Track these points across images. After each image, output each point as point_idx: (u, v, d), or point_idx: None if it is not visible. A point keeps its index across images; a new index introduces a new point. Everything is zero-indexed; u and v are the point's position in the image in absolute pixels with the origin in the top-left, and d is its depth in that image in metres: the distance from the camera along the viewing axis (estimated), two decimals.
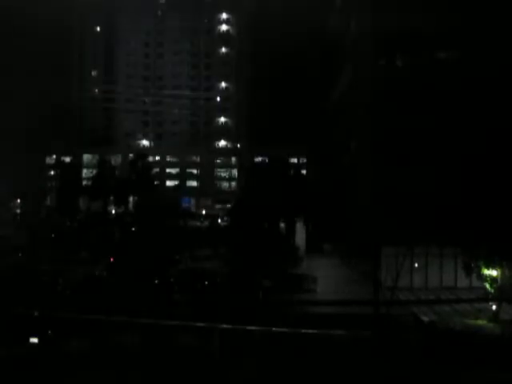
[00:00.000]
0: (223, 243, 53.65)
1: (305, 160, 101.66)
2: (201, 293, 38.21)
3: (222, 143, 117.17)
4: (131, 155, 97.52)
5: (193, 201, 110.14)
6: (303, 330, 23.34)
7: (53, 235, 65.22)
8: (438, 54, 45.71)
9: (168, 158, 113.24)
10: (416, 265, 41.91)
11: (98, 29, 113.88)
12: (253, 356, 28.03)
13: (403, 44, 45.00)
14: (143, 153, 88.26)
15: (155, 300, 34.30)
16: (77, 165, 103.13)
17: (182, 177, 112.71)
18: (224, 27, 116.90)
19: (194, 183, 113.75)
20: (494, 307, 31.97)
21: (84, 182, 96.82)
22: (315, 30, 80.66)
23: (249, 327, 27.46)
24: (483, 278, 32.34)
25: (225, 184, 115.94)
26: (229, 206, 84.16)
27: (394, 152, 42.41)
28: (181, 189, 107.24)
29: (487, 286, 32.22)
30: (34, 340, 27.02)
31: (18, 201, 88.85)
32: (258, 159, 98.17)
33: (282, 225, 54.12)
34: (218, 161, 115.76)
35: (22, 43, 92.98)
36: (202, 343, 29.13)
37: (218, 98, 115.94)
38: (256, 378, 25.60)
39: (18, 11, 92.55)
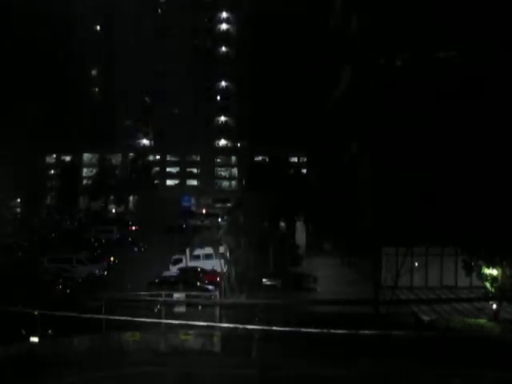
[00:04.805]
0: (223, 242, 53.70)
1: (305, 159, 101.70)
2: (201, 291, 38.13)
3: (223, 142, 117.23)
4: (131, 154, 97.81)
5: (193, 200, 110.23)
6: (303, 329, 23.35)
7: (53, 235, 65.38)
8: (438, 54, 45.68)
9: (168, 157, 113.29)
10: (416, 264, 41.89)
11: (98, 27, 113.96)
12: (253, 355, 28.07)
13: (403, 43, 44.99)
14: (143, 152, 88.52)
15: (155, 299, 34.28)
16: (77, 164, 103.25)
17: (183, 176, 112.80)
18: (224, 26, 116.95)
19: (194, 182, 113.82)
20: (494, 306, 31.97)
21: (84, 182, 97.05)
22: (315, 30, 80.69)
23: (249, 326, 27.46)
24: (483, 278, 32.32)
25: (225, 183, 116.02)
26: (229, 204, 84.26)
27: (394, 151, 42.38)
28: (181, 188, 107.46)
29: (487, 285, 32.19)
30: (35, 339, 27.04)
31: (18, 200, 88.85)
32: (259, 158, 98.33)
33: (282, 224, 54.16)
34: (219, 160, 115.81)
35: (22, 41, 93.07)
36: (202, 342, 29.15)
37: (219, 97, 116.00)
38: (256, 377, 25.62)
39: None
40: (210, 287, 38.52)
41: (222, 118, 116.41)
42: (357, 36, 48.25)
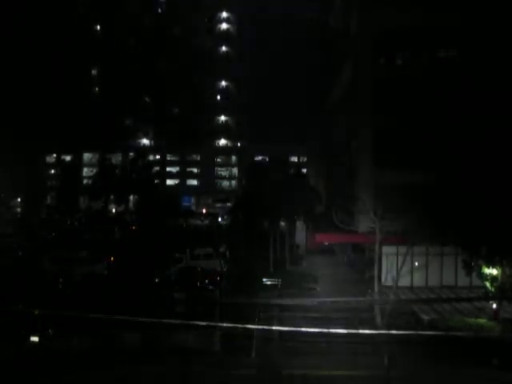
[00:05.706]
0: (223, 242, 53.74)
1: (305, 159, 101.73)
2: (201, 291, 38.19)
3: (223, 142, 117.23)
4: (131, 154, 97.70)
5: (193, 199, 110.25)
6: (303, 329, 23.34)
7: (53, 234, 65.40)
8: (438, 53, 45.62)
9: (168, 157, 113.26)
10: (416, 263, 41.87)
11: (98, 27, 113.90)
12: (253, 354, 28.09)
13: (404, 43, 44.93)
14: (143, 152, 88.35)
15: (155, 298, 34.35)
16: (77, 164, 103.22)
17: (183, 176, 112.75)
18: (224, 26, 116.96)
19: (194, 182, 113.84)
20: (494, 306, 31.98)
21: (84, 182, 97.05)
22: (315, 29, 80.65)
23: (249, 326, 27.45)
24: (483, 277, 32.31)
25: (225, 183, 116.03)
26: (229, 204, 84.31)
27: (394, 151, 42.39)
28: (181, 187, 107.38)
29: (487, 284, 32.21)
30: (35, 339, 27.06)
31: (18, 200, 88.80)
32: (259, 158, 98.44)
33: (282, 224, 54.13)
34: (219, 159, 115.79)
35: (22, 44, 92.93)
36: (202, 342, 29.15)
37: (219, 97, 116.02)
38: (256, 377, 25.63)
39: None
40: (210, 287, 38.56)
41: (222, 118, 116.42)
42: (357, 36, 48.19)
